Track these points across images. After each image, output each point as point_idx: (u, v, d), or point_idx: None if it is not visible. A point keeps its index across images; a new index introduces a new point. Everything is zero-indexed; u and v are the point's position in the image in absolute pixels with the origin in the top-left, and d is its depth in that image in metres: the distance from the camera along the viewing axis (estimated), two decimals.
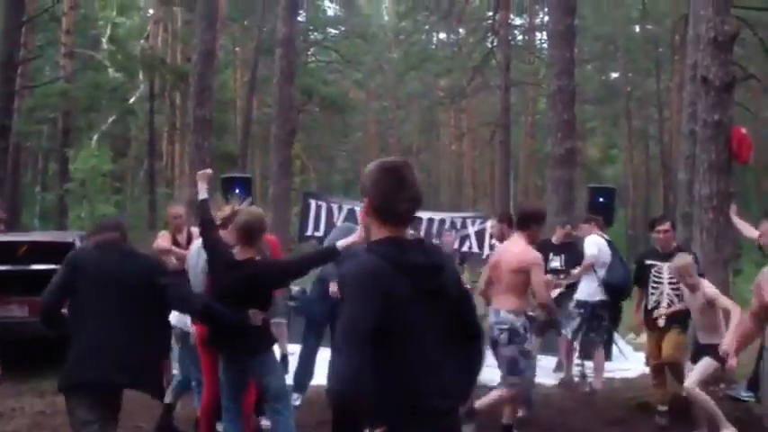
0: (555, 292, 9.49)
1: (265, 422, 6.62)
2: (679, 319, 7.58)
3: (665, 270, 7.65)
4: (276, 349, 8.98)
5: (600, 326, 9.14)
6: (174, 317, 6.44)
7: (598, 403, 8.56)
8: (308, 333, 6.63)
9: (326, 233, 11.52)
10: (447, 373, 2.88)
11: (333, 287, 7.50)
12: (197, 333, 6.10)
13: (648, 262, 7.92)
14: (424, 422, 2.78)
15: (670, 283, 7.61)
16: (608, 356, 10.44)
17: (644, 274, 7.92)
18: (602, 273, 8.96)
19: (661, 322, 7.58)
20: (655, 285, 7.75)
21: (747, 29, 17.46)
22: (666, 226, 7.89)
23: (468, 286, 12.06)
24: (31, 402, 8.08)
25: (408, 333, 2.77)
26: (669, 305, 7.60)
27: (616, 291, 9.10)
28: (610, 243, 9.33)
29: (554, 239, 10.35)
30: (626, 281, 8.99)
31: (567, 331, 9.22)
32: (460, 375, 3.02)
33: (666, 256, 7.68)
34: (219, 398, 6.01)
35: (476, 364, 3.14)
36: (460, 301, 3.05)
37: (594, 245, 9.05)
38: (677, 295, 7.53)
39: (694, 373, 6.86)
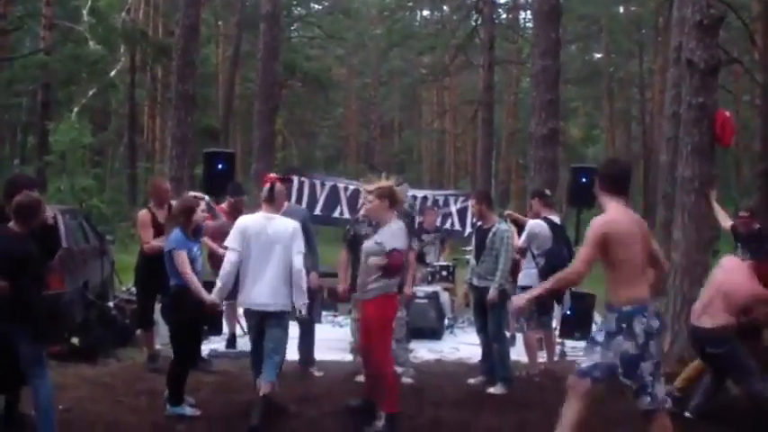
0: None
1: None
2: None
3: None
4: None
5: (549, 309, 8.96)
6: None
7: None
8: None
9: (308, 209, 11.53)
10: None
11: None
12: None
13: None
14: None
15: None
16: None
17: None
18: (541, 260, 8.47)
19: None
20: None
21: (732, 12, 17.49)
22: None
23: (449, 263, 12.19)
24: None
25: None
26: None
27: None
28: (555, 225, 8.78)
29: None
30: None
31: (523, 321, 8.67)
32: None
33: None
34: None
35: None
36: None
37: (528, 231, 8.58)
38: None
39: None
